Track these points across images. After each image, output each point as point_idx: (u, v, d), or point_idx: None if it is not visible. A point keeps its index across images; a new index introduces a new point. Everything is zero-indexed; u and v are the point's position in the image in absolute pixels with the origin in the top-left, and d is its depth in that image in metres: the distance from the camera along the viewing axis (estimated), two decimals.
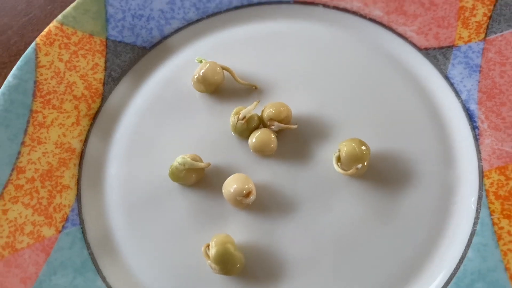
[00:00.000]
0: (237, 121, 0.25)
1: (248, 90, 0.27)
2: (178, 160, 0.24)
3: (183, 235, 0.24)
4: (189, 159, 0.24)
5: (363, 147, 0.24)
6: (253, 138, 0.25)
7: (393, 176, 0.24)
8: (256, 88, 0.27)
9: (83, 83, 0.27)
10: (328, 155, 0.25)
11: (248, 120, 0.25)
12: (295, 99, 0.26)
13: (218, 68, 0.27)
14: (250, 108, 0.25)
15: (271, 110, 0.25)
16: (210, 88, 0.27)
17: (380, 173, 0.24)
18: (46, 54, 0.28)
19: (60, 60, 0.28)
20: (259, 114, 0.26)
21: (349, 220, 0.23)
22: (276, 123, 0.25)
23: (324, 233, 0.23)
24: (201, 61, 0.27)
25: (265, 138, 0.25)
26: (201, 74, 0.26)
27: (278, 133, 0.25)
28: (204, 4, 0.29)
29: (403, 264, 0.22)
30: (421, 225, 0.23)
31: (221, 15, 0.29)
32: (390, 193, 0.24)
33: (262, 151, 0.25)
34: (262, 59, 0.28)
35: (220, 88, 0.27)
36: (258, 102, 0.25)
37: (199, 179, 0.25)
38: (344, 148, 0.24)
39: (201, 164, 0.24)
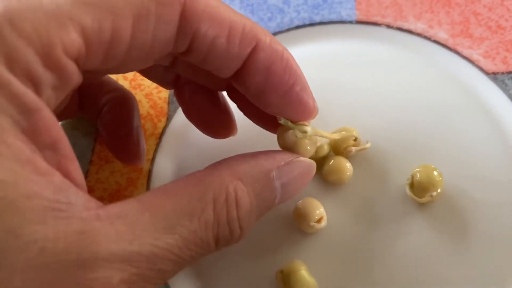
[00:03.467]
0: None
1: None
2: None
3: (254, 260, 0.24)
4: None
5: (436, 173, 0.23)
6: (327, 167, 0.25)
7: (466, 203, 0.24)
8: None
9: (148, 102, 0.27)
10: (399, 180, 0.25)
11: (317, 149, 0.25)
12: (360, 122, 0.26)
13: (319, 143, 0.24)
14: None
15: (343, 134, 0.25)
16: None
17: (452, 200, 0.24)
18: None
19: (125, 78, 0.28)
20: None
21: (422, 248, 0.23)
22: (353, 148, 0.25)
23: (397, 260, 0.23)
24: (286, 123, 0.20)
25: (341, 166, 0.24)
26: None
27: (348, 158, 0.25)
28: (265, 23, 0.29)
29: None
30: (493, 256, 0.23)
31: (283, 34, 0.29)
32: (463, 221, 0.23)
33: (338, 180, 0.25)
34: (323, 79, 0.28)
35: None
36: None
37: None
38: (417, 174, 0.23)
39: None
